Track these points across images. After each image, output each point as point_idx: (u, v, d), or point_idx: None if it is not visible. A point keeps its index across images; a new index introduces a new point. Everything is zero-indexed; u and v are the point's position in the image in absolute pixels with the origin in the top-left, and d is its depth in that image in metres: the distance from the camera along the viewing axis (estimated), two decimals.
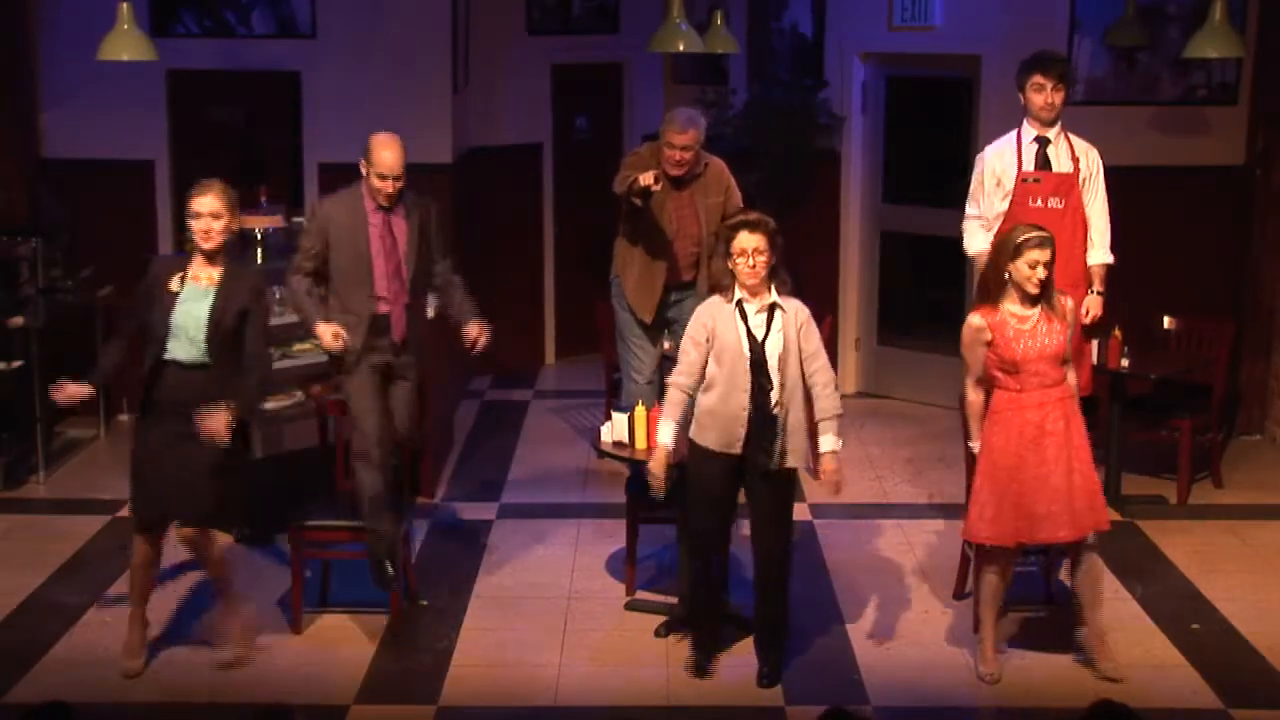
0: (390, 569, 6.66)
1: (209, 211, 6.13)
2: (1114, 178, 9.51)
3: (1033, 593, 7.16)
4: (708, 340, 6.10)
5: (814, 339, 6.17)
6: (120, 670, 6.35)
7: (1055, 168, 6.73)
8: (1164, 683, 6.40)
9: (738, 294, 6.10)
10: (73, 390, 6.18)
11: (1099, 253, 6.89)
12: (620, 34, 11.78)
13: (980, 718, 6.14)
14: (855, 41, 10.54)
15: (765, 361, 6.06)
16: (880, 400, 10.56)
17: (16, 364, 8.50)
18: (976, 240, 6.95)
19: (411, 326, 6.72)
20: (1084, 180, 6.79)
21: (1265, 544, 7.26)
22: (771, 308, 6.10)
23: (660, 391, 7.26)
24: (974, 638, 6.74)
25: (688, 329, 6.23)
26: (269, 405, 7.83)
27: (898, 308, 10.83)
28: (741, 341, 6.07)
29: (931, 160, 10.60)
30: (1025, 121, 6.83)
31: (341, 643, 6.68)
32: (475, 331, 6.77)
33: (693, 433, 6.21)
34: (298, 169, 10.19)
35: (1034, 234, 6.05)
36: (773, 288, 6.11)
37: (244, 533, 7.75)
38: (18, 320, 8.52)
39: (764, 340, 6.07)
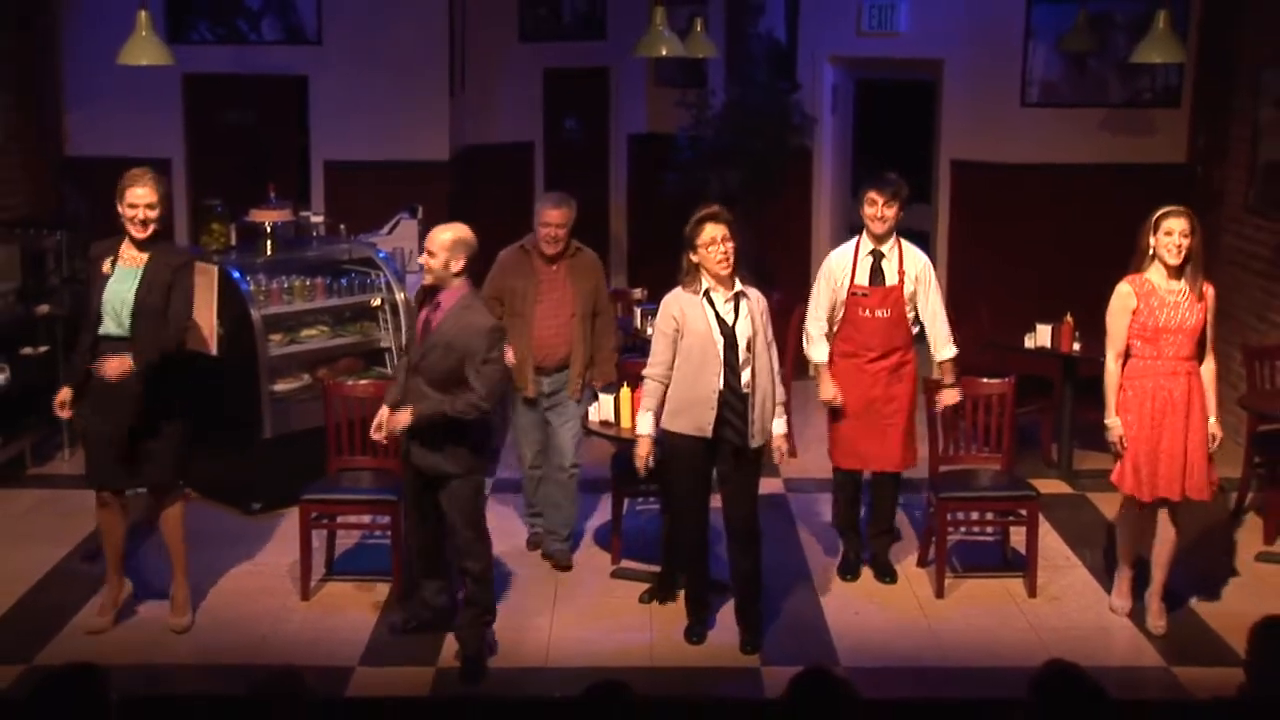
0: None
1: (145, 203, 6.03)
2: (1067, 175, 9.65)
3: (990, 560, 7.27)
4: (676, 331, 6.08)
5: (769, 329, 6.20)
6: (85, 627, 6.36)
7: (887, 280, 6.78)
8: (1111, 643, 6.49)
9: (705, 284, 6.09)
10: (63, 397, 6.15)
11: (944, 350, 6.91)
12: (607, 40, 11.81)
13: (942, 676, 6.19)
14: (826, 47, 10.58)
15: (736, 344, 6.07)
16: None
17: (43, 349, 8.53)
18: (818, 350, 6.90)
19: (437, 431, 5.79)
20: (910, 294, 6.82)
21: (1201, 514, 7.32)
22: (738, 296, 6.11)
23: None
24: (937, 602, 6.84)
25: (656, 322, 6.19)
26: (278, 388, 7.87)
27: None
28: (712, 328, 6.06)
29: (898, 157, 10.63)
30: (864, 234, 6.86)
31: (347, 608, 6.72)
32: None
33: (664, 421, 6.21)
34: (305, 167, 10.25)
35: (1172, 207, 6.26)
36: (736, 279, 6.12)
37: (255, 507, 7.80)
38: (44, 308, 8.55)
39: (734, 325, 6.09)
